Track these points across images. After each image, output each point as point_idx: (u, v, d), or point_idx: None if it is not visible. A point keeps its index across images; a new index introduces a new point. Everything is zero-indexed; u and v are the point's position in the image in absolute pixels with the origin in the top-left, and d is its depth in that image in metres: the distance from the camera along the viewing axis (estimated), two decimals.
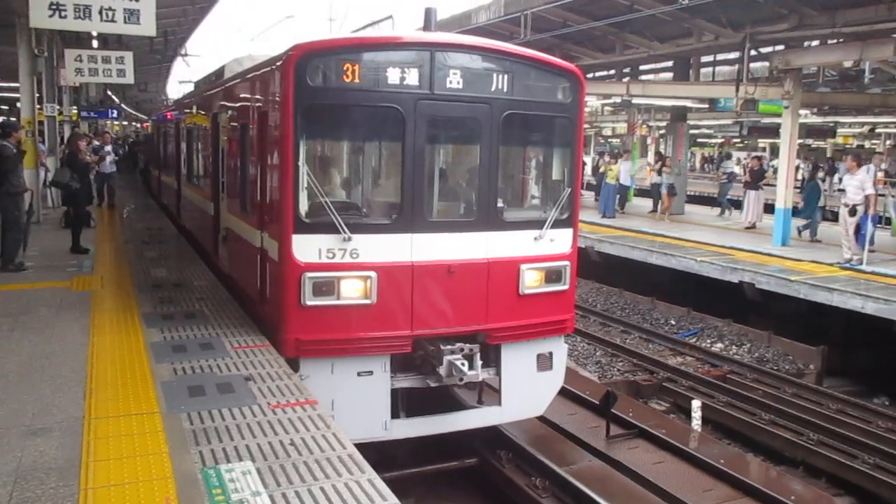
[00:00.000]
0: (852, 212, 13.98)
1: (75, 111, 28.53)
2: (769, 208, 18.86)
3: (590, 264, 17.44)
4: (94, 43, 20.39)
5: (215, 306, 8.44)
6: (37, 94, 16.30)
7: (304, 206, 6.69)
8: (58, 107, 18.92)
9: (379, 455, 5.06)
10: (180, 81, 39.82)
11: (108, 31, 9.18)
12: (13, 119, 16.93)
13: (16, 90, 32.96)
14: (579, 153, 8.05)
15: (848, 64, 16.38)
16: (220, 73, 12.17)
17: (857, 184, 13.94)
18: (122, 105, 48.69)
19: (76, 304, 8.37)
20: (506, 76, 7.16)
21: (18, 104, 34.78)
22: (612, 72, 25.21)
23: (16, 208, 9.95)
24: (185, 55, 31.09)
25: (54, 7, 7.97)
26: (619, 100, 22.46)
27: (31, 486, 4.05)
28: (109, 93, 37.32)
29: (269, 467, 4.35)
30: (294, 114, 6.54)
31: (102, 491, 4.01)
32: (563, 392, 9.02)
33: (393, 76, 6.71)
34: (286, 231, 6.65)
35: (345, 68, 6.58)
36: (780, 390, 11.53)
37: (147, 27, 8.48)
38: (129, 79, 16.22)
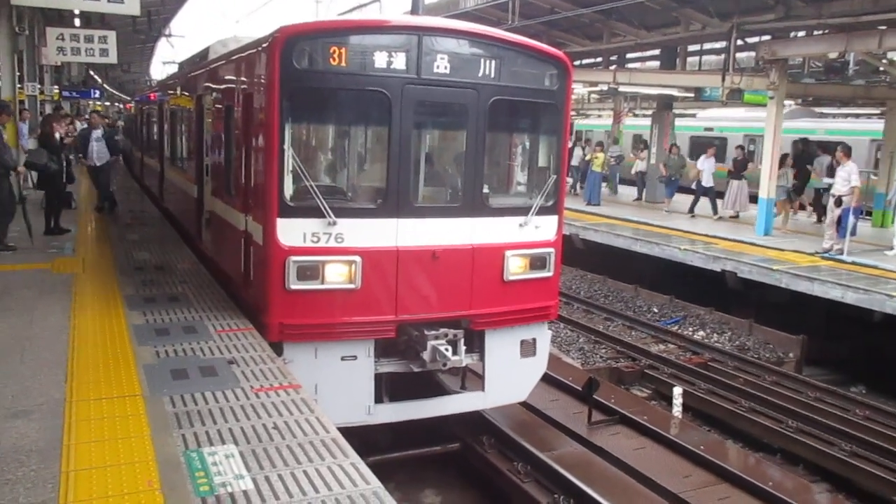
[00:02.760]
0: (838, 202, 14.11)
1: (56, 91, 28.14)
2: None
3: (574, 252, 17.49)
4: (77, 21, 20.05)
5: (198, 289, 8.40)
6: (17, 73, 16.07)
7: (288, 190, 6.66)
8: (39, 86, 18.64)
9: (361, 440, 5.08)
10: (164, 62, 39.41)
11: (92, 10, 9.05)
12: (21, 101, 16.46)
13: None
14: (565, 140, 8.06)
15: (833, 55, 16.47)
16: (204, 54, 12.05)
17: (844, 175, 14.07)
18: (105, 85, 48.10)
19: (57, 286, 8.29)
20: (493, 62, 7.14)
21: None
22: (599, 59, 25.20)
23: (1, 189, 9.83)
24: (169, 36, 30.79)
25: None
26: (605, 87, 22.43)
27: (10, 468, 4.02)
28: (92, 73, 36.82)
29: (253, 450, 4.34)
30: (280, 97, 6.49)
31: (84, 473, 3.99)
32: (546, 378, 9.08)
33: (380, 60, 6.66)
34: (271, 214, 6.61)
35: (331, 51, 6.52)
36: (760, 378, 11.66)
37: (131, 6, 8.38)
38: (112, 58, 15.99)
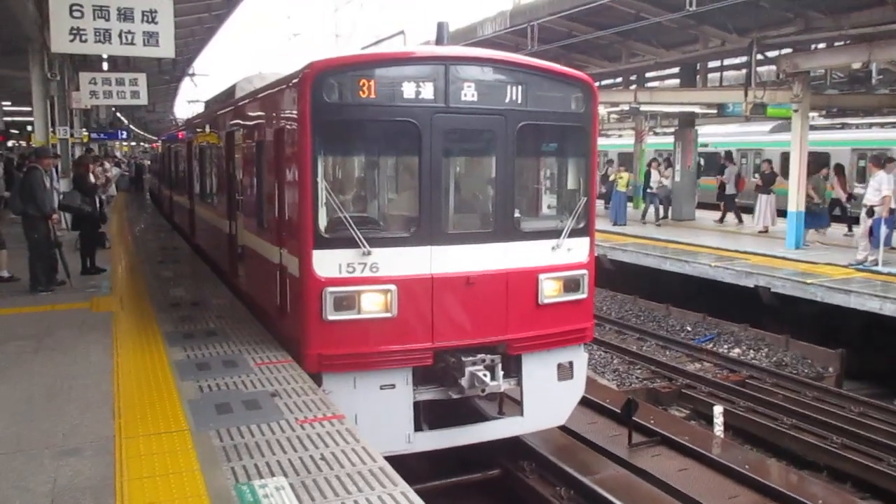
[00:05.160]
0: (870, 212, 13.95)
1: (85, 133, 28.79)
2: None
3: (603, 272, 17.40)
4: (105, 65, 20.60)
5: (235, 324, 8.49)
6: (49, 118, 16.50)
7: (323, 222, 6.73)
8: (69, 129, 19.11)
9: (399, 468, 5.07)
10: (189, 101, 40.13)
11: (128, 55, 9.32)
12: (53, 145, 16.85)
13: (26, 114, 33.41)
14: (594, 162, 8.08)
15: (856, 66, 16.39)
16: (230, 92, 12.29)
17: (875, 185, 13.92)
18: (131, 126, 49.14)
19: (97, 324, 8.43)
20: (519, 87, 7.21)
21: (29, 128, 35.23)
22: (619, 79, 25.30)
23: (35, 231, 10.06)
24: (193, 75, 31.40)
25: (75, 32, 8.08)
26: (626, 107, 22.48)
27: None
28: (119, 114, 37.63)
29: (302, 482, 4.37)
30: (311, 130, 6.59)
31: None
32: (583, 401, 9.00)
33: (408, 90, 6.76)
34: (306, 247, 6.69)
35: (360, 84, 6.63)
36: (801, 394, 11.47)
37: (166, 49, 8.60)
38: (143, 100, 16.43)
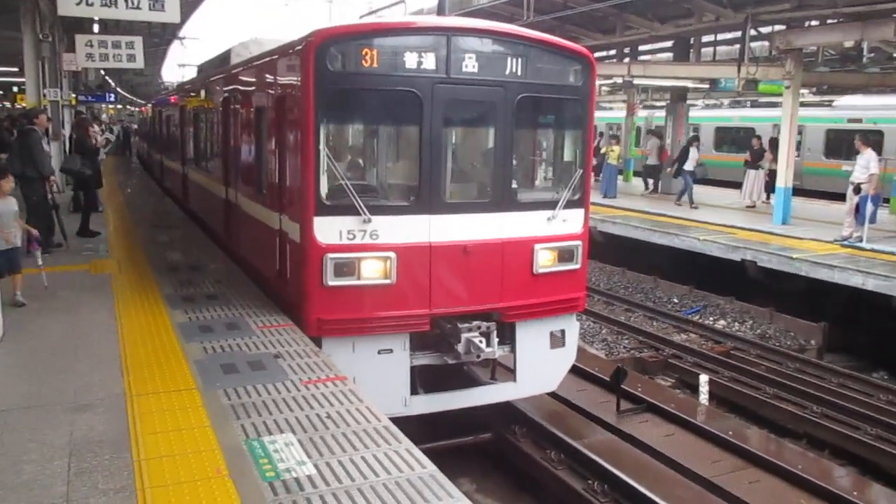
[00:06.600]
0: (856, 190, 14.20)
1: (73, 96, 28.46)
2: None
3: (593, 244, 17.55)
4: (95, 27, 20.35)
5: (234, 288, 8.62)
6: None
7: (324, 189, 6.84)
8: (61, 91, 18.94)
9: None
10: (180, 65, 39.70)
11: (134, 19, 9.27)
12: (44, 108, 16.72)
13: (13, 74, 32.88)
14: (590, 135, 8.22)
15: (849, 44, 16.50)
16: (225, 57, 12.25)
17: (863, 163, 14.15)
18: (118, 89, 48.51)
19: (98, 286, 8.54)
20: (520, 60, 7.30)
21: (15, 89, 34.65)
22: (613, 52, 25.28)
23: (34, 193, 10.10)
24: (184, 39, 31.03)
25: None
26: (619, 80, 22.52)
27: (86, 458, 4.26)
28: (107, 77, 37.18)
29: (310, 439, 4.56)
30: (315, 98, 6.67)
31: (155, 462, 4.22)
32: (572, 369, 9.22)
33: (410, 61, 6.84)
34: (308, 213, 6.81)
35: (364, 53, 6.71)
36: (783, 365, 11.78)
37: (171, 14, 8.60)
38: (140, 63, 16.31)
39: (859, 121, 24.76)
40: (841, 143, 24.44)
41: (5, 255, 7.56)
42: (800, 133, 23.93)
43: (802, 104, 27.54)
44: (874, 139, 20.21)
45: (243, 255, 9.77)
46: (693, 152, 20.50)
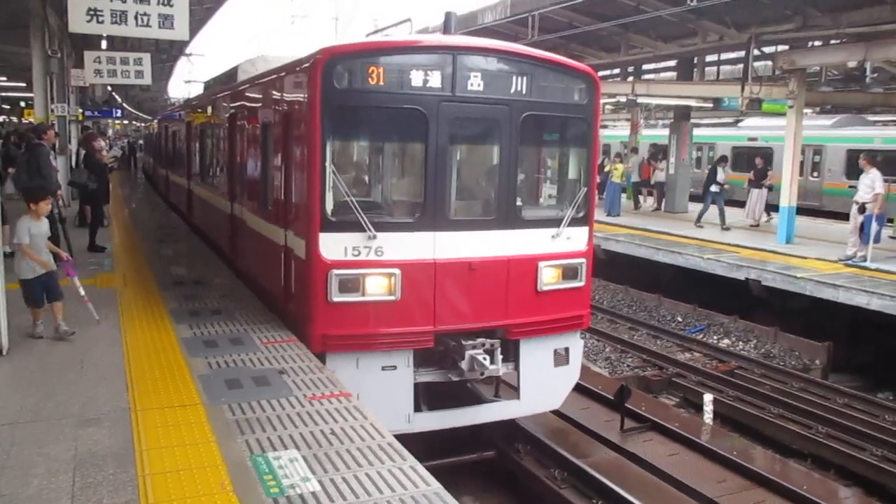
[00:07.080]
0: (861, 209, 14.19)
1: (80, 111, 28.68)
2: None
3: (596, 262, 17.57)
4: (103, 44, 20.52)
5: (238, 303, 8.64)
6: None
7: (330, 205, 6.88)
8: (68, 107, 19.08)
9: None
10: (186, 81, 39.99)
11: (144, 36, 9.34)
12: (52, 123, 16.85)
13: (21, 90, 33.13)
14: (595, 153, 8.26)
15: (852, 64, 16.56)
16: (232, 74, 12.35)
17: (868, 182, 14.15)
18: (124, 104, 48.86)
19: (103, 300, 8.54)
20: (525, 78, 7.36)
21: (22, 104, 34.86)
22: (617, 71, 25.42)
23: None
24: (190, 55, 31.27)
25: (92, 12, 8.14)
26: (623, 99, 22.62)
27: (91, 472, 4.26)
28: (114, 93, 37.46)
29: (314, 455, 4.55)
30: (321, 115, 6.73)
31: (159, 477, 4.22)
32: (576, 387, 9.21)
33: (416, 79, 6.90)
34: (313, 229, 6.84)
35: (370, 71, 6.77)
36: (788, 385, 11.74)
37: (181, 31, 8.67)
38: (147, 79, 16.44)
39: (755, 139, 28.36)
40: (741, 159, 27.23)
41: (42, 282, 7.09)
42: (711, 150, 29.54)
43: (717, 125, 31.78)
44: (765, 154, 23.19)
45: (248, 270, 9.80)
46: (720, 173, 19.63)
